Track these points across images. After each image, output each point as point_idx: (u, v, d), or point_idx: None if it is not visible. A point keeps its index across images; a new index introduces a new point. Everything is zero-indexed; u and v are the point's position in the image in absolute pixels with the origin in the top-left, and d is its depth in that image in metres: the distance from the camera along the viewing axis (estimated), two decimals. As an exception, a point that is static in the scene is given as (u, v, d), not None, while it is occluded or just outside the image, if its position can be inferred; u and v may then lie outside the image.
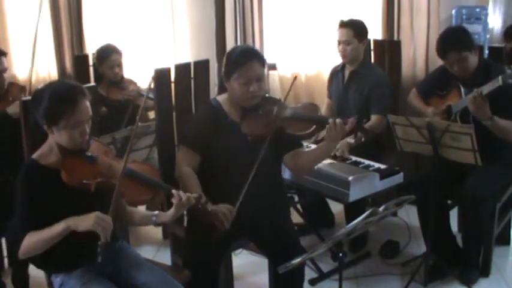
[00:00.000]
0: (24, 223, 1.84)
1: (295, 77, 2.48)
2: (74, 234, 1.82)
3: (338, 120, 2.21)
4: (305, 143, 2.79)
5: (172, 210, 1.98)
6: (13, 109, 2.80)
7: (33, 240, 1.81)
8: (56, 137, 1.88)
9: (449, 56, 2.82)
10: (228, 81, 2.36)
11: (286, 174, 2.79)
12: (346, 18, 3.31)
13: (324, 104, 3.61)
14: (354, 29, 3.26)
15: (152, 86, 2.65)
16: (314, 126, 2.29)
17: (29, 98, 2.04)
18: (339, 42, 3.30)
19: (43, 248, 1.83)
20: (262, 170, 2.24)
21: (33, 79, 3.99)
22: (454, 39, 2.83)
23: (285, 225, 2.46)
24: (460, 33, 2.86)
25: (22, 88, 3.16)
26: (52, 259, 1.91)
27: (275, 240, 2.35)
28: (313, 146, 2.64)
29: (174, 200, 1.94)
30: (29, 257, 1.89)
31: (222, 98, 2.46)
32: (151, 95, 3.39)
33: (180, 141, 2.47)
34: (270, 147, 2.27)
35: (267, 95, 2.45)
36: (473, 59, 2.82)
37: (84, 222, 1.77)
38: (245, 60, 2.30)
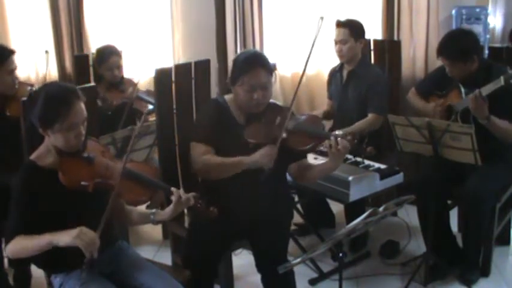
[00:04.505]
0: (15, 225, 1.83)
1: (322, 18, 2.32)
2: None
3: (339, 138, 2.18)
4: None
5: (170, 208, 1.97)
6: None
7: (18, 247, 1.82)
8: (52, 140, 1.88)
9: (441, 59, 2.85)
10: (234, 87, 2.33)
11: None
12: (343, 18, 3.30)
13: (324, 105, 3.62)
14: (350, 28, 3.26)
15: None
16: (313, 143, 2.26)
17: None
18: (336, 42, 3.31)
19: (28, 255, 1.84)
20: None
21: (33, 78, 4.01)
22: (447, 48, 2.81)
23: (280, 233, 2.43)
24: (456, 43, 2.80)
25: (31, 86, 3.13)
26: (52, 259, 1.90)
27: (264, 244, 2.34)
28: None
29: (173, 198, 1.93)
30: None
31: (229, 98, 2.42)
32: (148, 98, 3.39)
33: (191, 138, 2.41)
34: None
35: (272, 101, 2.41)
36: (467, 66, 2.78)
37: (66, 236, 1.74)
38: (250, 67, 2.26)
